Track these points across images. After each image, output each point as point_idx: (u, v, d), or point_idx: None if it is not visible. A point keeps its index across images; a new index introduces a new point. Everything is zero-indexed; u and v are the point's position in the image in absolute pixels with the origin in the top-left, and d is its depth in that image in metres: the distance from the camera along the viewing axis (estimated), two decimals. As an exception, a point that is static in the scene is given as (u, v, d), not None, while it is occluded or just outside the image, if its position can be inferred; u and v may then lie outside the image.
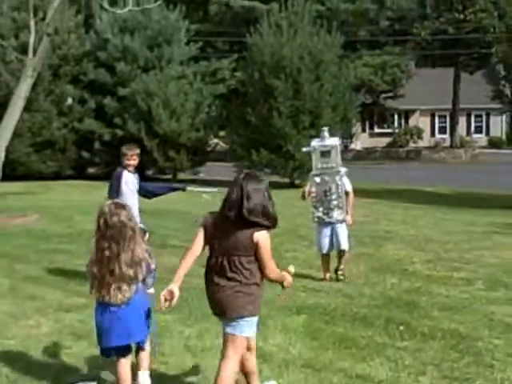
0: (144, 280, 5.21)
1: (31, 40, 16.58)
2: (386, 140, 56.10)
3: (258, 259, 4.99)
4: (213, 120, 29.82)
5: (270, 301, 8.32)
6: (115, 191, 8.72)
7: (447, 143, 54.68)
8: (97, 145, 28.65)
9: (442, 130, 57.84)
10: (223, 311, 4.90)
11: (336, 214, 9.71)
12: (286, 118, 26.62)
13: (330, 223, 9.73)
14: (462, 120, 55.87)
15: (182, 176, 29.97)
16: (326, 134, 9.96)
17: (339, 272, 9.80)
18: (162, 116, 27.77)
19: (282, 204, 20.78)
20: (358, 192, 25.92)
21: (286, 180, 28.05)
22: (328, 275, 9.76)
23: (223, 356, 4.89)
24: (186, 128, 28.27)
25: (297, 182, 27.92)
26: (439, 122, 58.32)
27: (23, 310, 7.72)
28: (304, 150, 10.38)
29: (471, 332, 7.12)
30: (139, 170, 9.48)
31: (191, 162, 29.49)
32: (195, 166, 30.21)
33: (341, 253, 9.82)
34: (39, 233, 13.78)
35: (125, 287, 5.04)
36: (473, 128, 58.05)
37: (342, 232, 9.78)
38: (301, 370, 5.87)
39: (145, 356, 5.38)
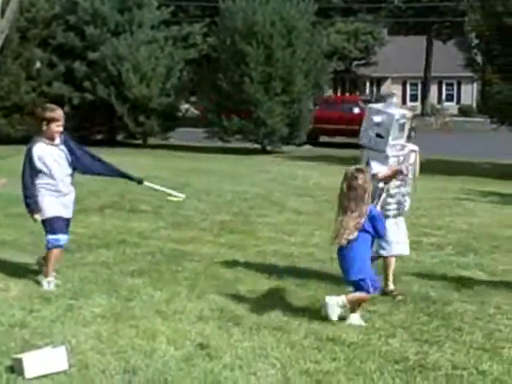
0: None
1: (-1, 1, 16.28)
2: (358, 107, 56.13)
3: None
4: (184, 85, 29.54)
5: (239, 265, 8.33)
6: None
7: (418, 111, 54.91)
8: (66, 109, 28.25)
9: (414, 98, 58.09)
10: None
11: (407, 205, 7.51)
12: (258, 84, 26.46)
13: (398, 216, 7.46)
14: (434, 88, 56.14)
15: (152, 141, 29.77)
16: (396, 99, 7.60)
17: (399, 297, 7.13)
18: (132, 81, 27.43)
19: (253, 170, 20.88)
20: (331, 158, 26.16)
21: (257, 146, 28.00)
22: (393, 287, 7.31)
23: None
24: (156, 93, 27.97)
25: (268, 148, 27.89)
26: (411, 90, 58.53)
27: (-9, 273, 7.62)
28: (378, 119, 7.27)
29: (441, 296, 7.16)
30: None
31: (162, 127, 29.23)
32: (166, 132, 29.99)
33: (398, 256, 7.55)
34: (9, 196, 13.55)
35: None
36: (444, 96, 58.33)
37: (405, 229, 7.58)
38: (272, 334, 5.86)
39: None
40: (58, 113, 7.09)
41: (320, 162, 23.82)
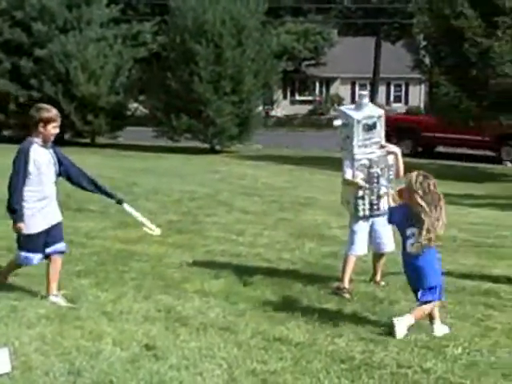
0: None
1: None
2: (307, 107, 56.40)
3: None
4: (133, 84, 29.35)
5: (186, 264, 8.29)
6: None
7: (367, 112, 55.37)
8: (12, 106, 27.83)
9: (363, 99, 58.50)
10: None
11: (383, 204, 7.39)
12: (207, 83, 26.42)
13: (372, 217, 7.47)
14: (382, 89, 56.64)
15: (100, 140, 29.48)
16: (367, 100, 7.48)
17: (382, 283, 7.66)
18: (80, 79, 27.13)
19: (202, 169, 20.80)
20: (280, 158, 26.19)
21: (207, 145, 27.94)
22: (351, 286, 7.39)
23: None
24: (105, 91, 27.71)
25: (217, 147, 27.84)
26: (360, 91, 58.86)
27: None
28: (337, 123, 7.41)
29: (387, 295, 7.22)
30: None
31: (110, 126, 28.95)
32: (114, 130, 29.72)
33: (381, 256, 7.69)
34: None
35: None
36: (392, 97, 58.90)
37: (387, 228, 7.39)
38: (219, 334, 5.85)
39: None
40: (55, 113, 6.59)
41: (269, 161, 23.88)
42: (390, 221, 6.51)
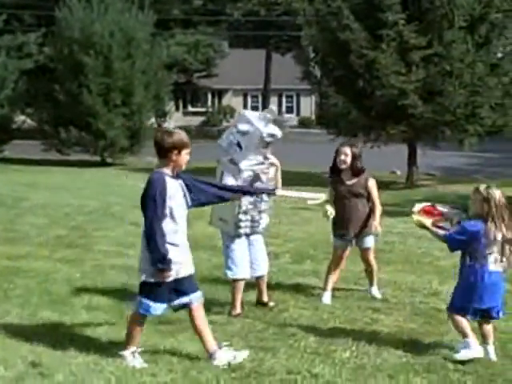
0: None
1: None
2: (200, 119, 56.50)
3: None
4: (19, 96, 28.56)
5: (74, 279, 8.13)
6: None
7: (259, 123, 55.90)
8: None
9: (255, 110, 58.84)
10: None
11: (263, 222, 7.18)
12: (97, 95, 26.08)
13: (252, 234, 7.13)
14: (274, 100, 57.34)
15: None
16: (270, 116, 7.05)
17: (271, 303, 7.26)
18: (-38, 92, 26.30)
19: (93, 183, 20.47)
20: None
21: (97, 158, 27.54)
22: (240, 310, 7.02)
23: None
24: (-12, 105, 26.92)
25: (108, 160, 27.49)
26: (252, 102, 59.47)
27: None
28: (243, 127, 6.96)
29: (276, 303, 7.29)
30: None
31: (-5, 140, 28.13)
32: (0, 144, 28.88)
33: (261, 278, 7.30)
34: None
35: None
36: (284, 108, 59.72)
37: (263, 248, 7.30)
38: (107, 348, 5.76)
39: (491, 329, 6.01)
40: (186, 137, 5.61)
41: (162, 173, 23.71)
42: (463, 245, 5.86)
